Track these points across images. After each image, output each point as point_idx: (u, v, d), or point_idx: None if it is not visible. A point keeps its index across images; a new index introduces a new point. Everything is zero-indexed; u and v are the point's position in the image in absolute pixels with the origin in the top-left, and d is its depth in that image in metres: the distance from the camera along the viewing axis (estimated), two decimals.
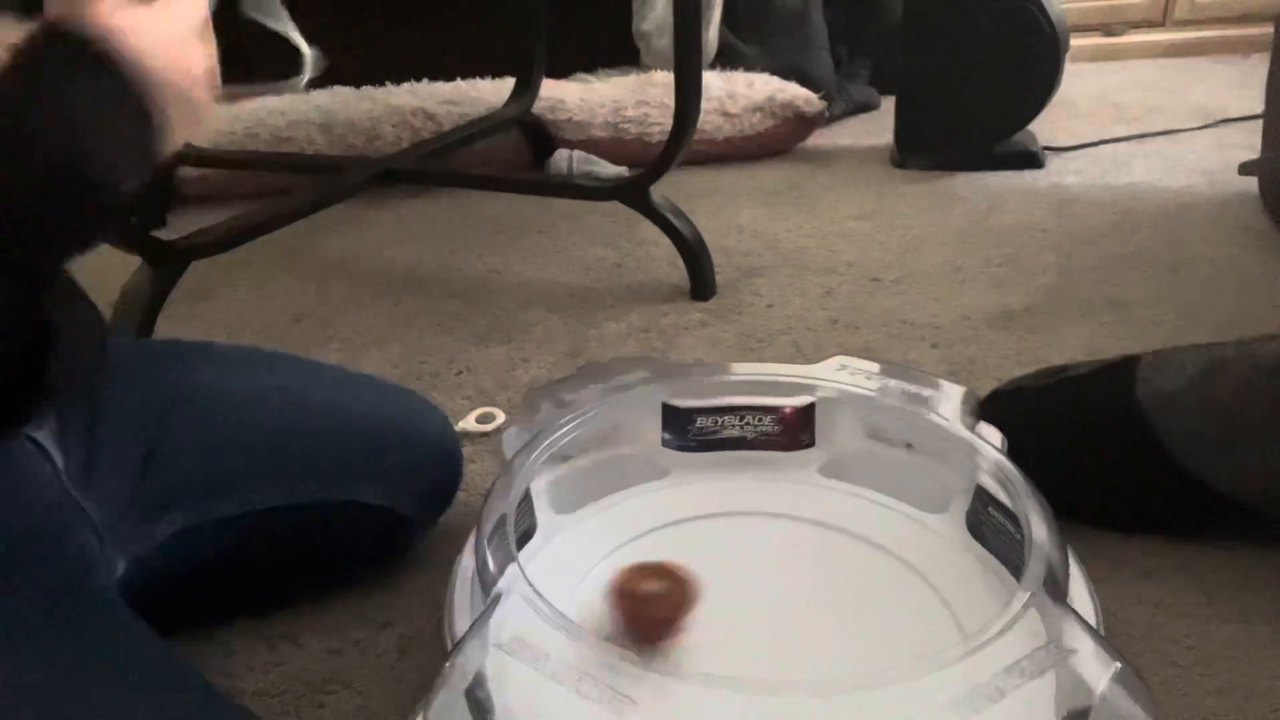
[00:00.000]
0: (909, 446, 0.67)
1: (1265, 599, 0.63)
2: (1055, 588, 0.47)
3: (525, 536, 0.60)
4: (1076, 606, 0.47)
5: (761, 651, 0.55)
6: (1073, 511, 0.69)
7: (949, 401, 0.65)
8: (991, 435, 0.63)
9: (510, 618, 0.45)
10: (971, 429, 0.63)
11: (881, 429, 0.68)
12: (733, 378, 0.71)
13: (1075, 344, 1.01)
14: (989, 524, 0.60)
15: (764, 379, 0.71)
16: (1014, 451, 0.60)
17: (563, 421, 0.64)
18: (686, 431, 0.70)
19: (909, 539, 0.63)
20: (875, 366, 0.70)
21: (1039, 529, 0.52)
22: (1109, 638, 0.59)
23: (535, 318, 1.14)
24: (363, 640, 0.63)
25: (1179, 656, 0.58)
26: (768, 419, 0.70)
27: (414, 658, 0.62)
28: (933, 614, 0.57)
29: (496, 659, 0.43)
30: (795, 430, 0.70)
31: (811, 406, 0.69)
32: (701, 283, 1.18)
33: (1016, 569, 0.57)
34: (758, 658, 0.54)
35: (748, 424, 0.70)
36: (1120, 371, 0.69)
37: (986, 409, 0.75)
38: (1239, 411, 0.62)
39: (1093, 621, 0.50)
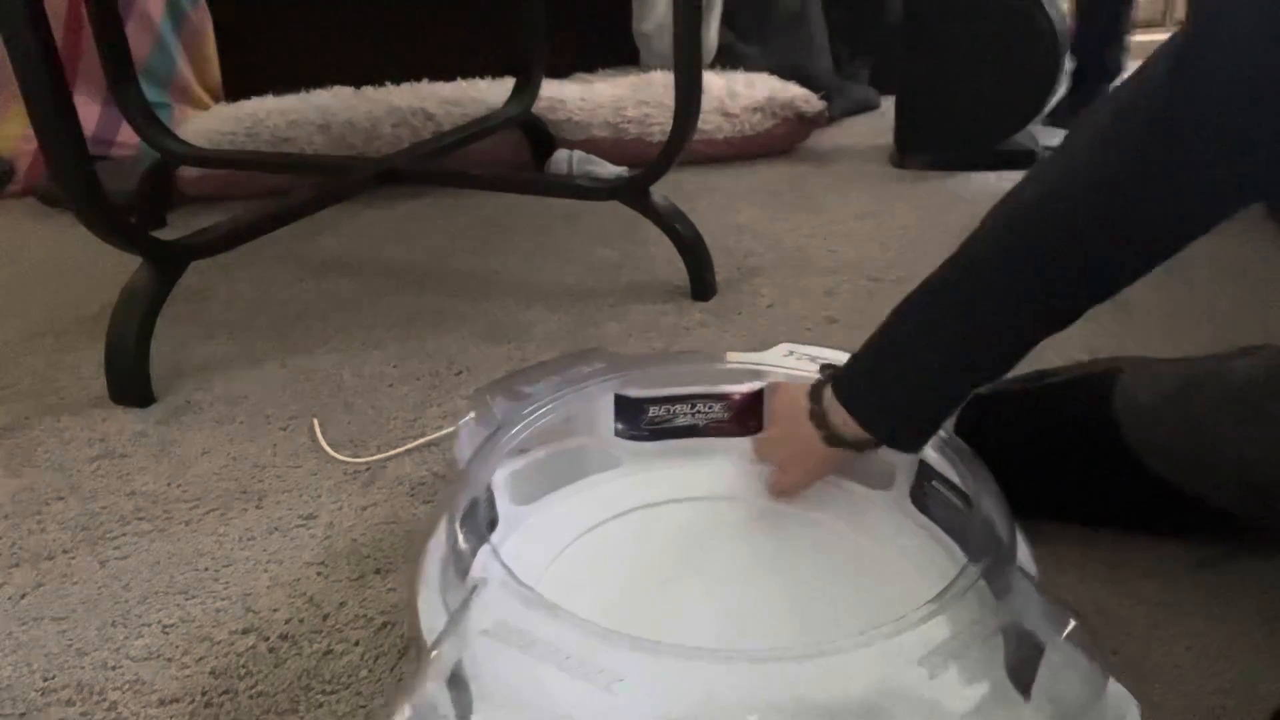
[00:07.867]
0: None
1: (1265, 599, 0.63)
2: (1006, 552, 0.50)
3: (489, 528, 0.61)
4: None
5: (733, 626, 0.56)
6: (1051, 516, 0.70)
7: None
8: None
9: (492, 605, 0.46)
10: None
11: None
12: (683, 368, 0.73)
13: (1075, 344, 1.00)
14: (933, 497, 0.62)
15: (713, 368, 0.72)
16: (994, 457, 0.61)
17: (524, 414, 0.65)
18: (639, 421, 0.71)
19: (858, 515, 0.65)
20: (820, 351, 0.72)
21: (984, 498, 0.54)
22: (1108, 637, 0.59)
23: (535, 318, 1.14)
24: (363, 640, 0.63)
25: (1179, 656, 0.58)
26: (718, 406, 0.71)
27: (414, 658, 0.62)
28: (886, 582, 0.59)
29: (476, 647, 0.44)
30: (744, 416, 0.71)
31: (760, 392, 0.71)
32: (701, 283, 1.18)
33: (961, 538, 0.59)
34: (732, 631, 0.56)
35: (699, 412, 0.72)
36: (1098, 383, 0.70)
37: (968, 412, 0.75)
38: (1211, 429, 0.63)
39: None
